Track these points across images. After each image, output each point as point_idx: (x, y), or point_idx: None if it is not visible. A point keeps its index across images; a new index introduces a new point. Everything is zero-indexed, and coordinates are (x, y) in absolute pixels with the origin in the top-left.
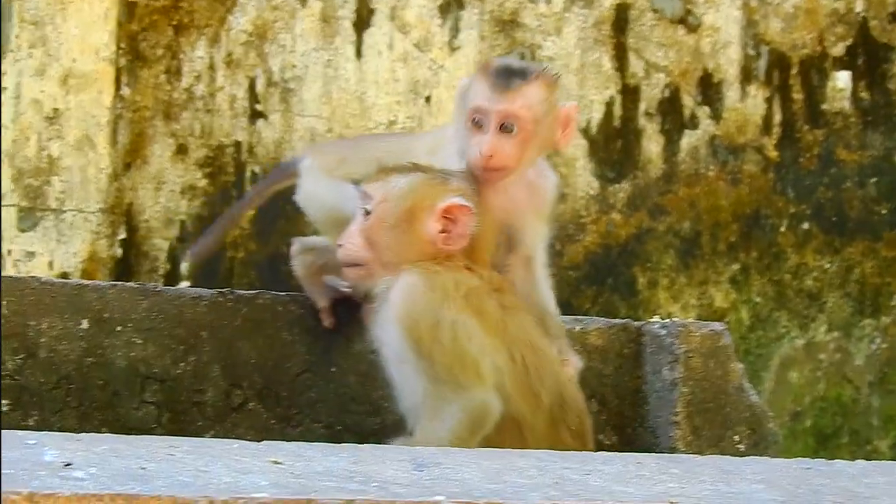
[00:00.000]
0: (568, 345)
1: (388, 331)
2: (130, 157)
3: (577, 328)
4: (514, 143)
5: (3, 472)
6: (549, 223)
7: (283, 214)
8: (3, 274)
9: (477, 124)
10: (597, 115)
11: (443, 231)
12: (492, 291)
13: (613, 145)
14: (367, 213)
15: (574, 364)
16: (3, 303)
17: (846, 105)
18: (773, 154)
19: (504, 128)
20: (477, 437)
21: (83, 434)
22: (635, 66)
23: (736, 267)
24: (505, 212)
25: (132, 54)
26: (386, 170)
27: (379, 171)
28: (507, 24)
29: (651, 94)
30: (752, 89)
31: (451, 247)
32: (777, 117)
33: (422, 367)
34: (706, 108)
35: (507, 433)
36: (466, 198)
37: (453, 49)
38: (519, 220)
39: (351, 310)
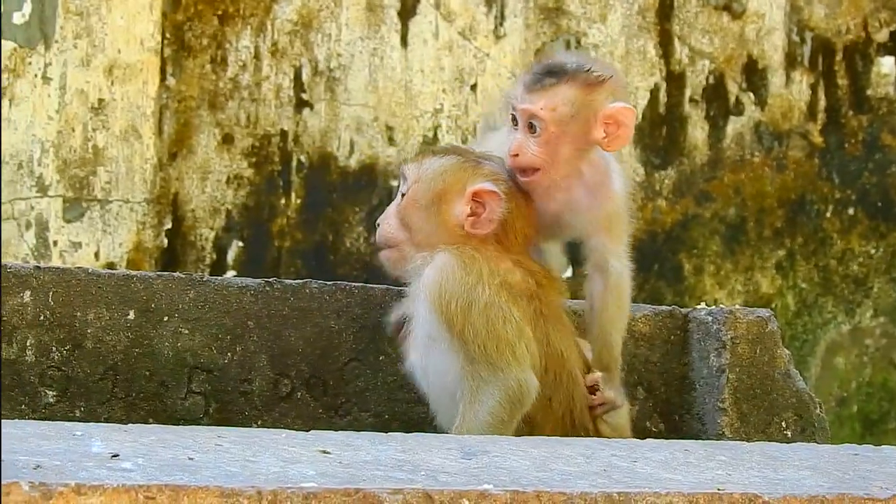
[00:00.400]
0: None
1: (420, 309)
2: (176, 146)
3: None
4: (538, 143)
5: (51, 463)
6: (623, 228)
7: (329, 203)
8: (49, 265)
9: (514, 122)
10: (642, 101)
11: (472, 215)
12: (530, 291)
13: (659, 132)
14: (403, 194)
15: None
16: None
17: (891, 90)
18: (818, 140)
19: (531, 127)
20: (516, 417)
21: (130, 425)
22: (680, 52)
23: (781, 253)
24: (565, 218)
25: (177, 44)
26: (424, 150)
27: (418, 152)
28: (552, 12)
29: (696, 80)
30: (797, 75)
31: (478, 231)
32: (822, 103)
33: (455, 346)
34: (751, 95)
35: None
36: (497, 183)
37: (498, 37)
38: (583, 227)
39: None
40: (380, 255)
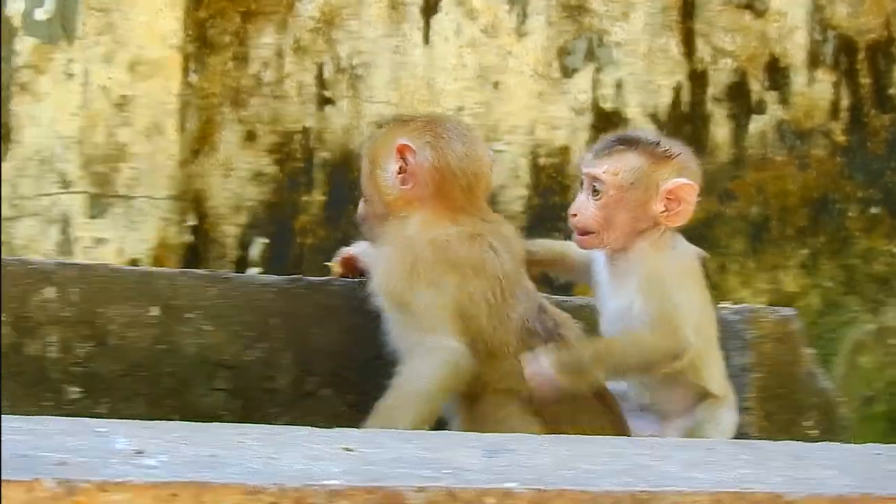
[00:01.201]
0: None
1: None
2: (199, 143)
3: None
4: (597, 206)
5: (75, 460)
6: (661, 303)
7: (352, 200)
8: (72, 261)
9: (581, 185)
10: (665, 100)
11: (400, 172)
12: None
13: (681, 130)
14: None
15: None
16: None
17: None
18: (841, 139)
19: (594, 191)
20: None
21: (154, 422)
22: (703, 51)
23: (805, 251)
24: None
25: (200, 41)
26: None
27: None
28: (575, 10)
29: (719, 79)
30: (820, 74)
31: (409, 188)
32: (844, 102)
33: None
34: (774, 93)
35: None
36: (419, 136)
37: (521, 35)
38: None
39: None
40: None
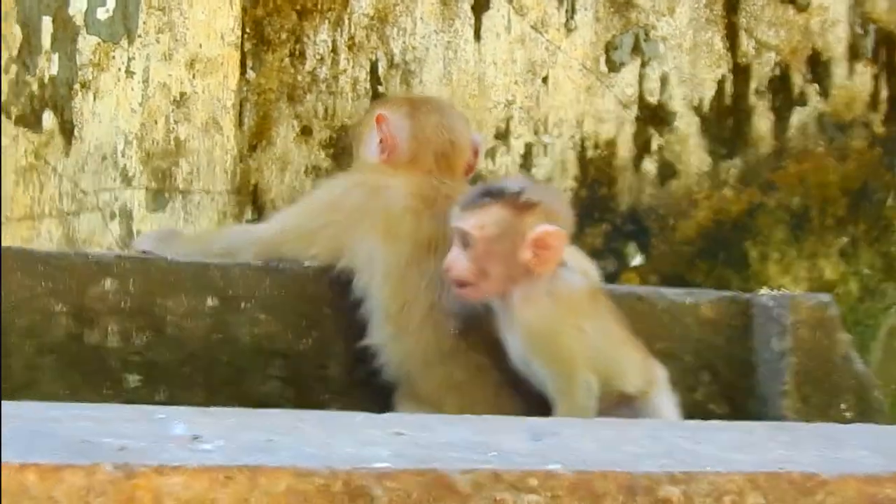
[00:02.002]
0: None
1: None
2: (256, 138)
3: (689, 301)
4: (469, 259)
5: (135, 445)
6: (549, 354)
7: None
8: (131, 253)
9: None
10: (709, 93)
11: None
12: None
13: (725, 123)
14: None
15: None
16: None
17: None
18: (881, 130)
19: (466, 244)
20: None
21: (212, 408)
22: (746, 45)
23: (845, 240)
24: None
25: (257, 39)
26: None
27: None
28: (622, 6)
29: (762, 72)
30: (860, 67)
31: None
32: (884, 94)
33: None
34: (815, 86)
35: None
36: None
37: (569, 30)
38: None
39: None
40: None
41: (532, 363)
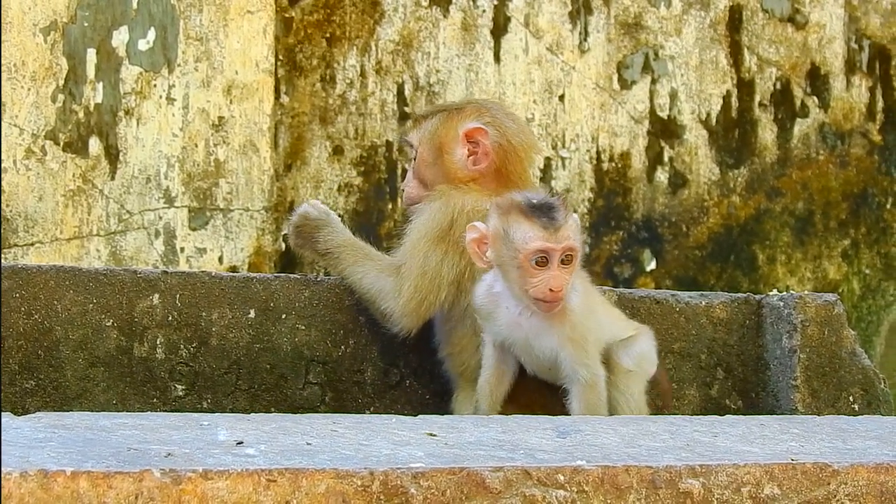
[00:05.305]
0: None
1: None
2: (290, 158)
3: (703, 302)
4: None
5: (181, 451)
6: (587, 339)
7: None
8: (176, 269)
9: (540, 263)
10: (716, 107)
11: (471, 154)
12: None
13: (732, 134)
14: (413, 158)
15: None
16: (179, 295)
17: None
18: (878, 138)
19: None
20: None
21: (253, 414)
22: (749, 61)
23: (847, 242)
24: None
25: (289, 65)
26: (415, 118)
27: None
28: (632, 27)
29: (764, 86)
30: (857, 79)
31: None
32: (880, 104)
33: None
34: (815, 98)
35: None
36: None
37: (583, 51)
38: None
39: None
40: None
41: (560, 355)
